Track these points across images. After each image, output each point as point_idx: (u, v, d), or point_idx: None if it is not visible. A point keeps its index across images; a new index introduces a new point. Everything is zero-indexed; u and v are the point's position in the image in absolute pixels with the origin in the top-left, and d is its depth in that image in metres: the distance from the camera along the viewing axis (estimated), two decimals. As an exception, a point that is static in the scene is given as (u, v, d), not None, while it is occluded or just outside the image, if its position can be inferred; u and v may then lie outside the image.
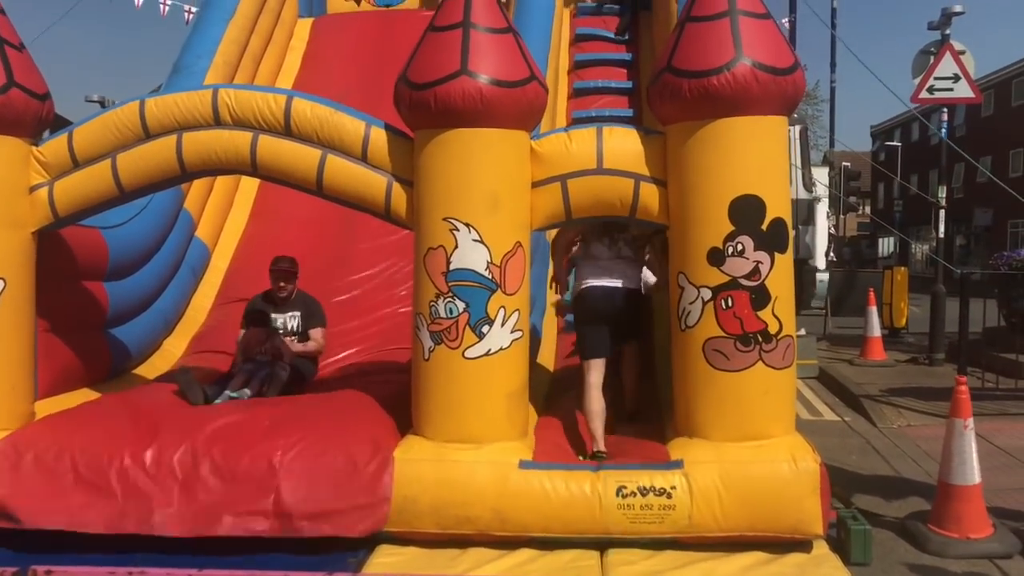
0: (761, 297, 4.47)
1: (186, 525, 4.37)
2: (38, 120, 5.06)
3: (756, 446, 4.45)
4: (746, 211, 4.44)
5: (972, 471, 5.07)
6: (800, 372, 10.03)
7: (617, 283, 5.22)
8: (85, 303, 5.94)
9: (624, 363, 5.58)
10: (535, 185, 4.78)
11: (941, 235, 12.05)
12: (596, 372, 5.12)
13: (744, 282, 4.46)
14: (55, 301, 5.42)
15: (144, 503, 4.42)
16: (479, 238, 4.54)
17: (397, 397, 5.15)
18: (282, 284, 6.27)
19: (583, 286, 5.28)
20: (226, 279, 7.71)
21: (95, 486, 4.48)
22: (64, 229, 5.40)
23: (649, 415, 5.50)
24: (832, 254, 17.35)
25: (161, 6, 13.74)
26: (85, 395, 5.61)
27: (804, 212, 12.46)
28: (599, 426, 4.98)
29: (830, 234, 17.31)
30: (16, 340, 4.94)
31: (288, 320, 6.30)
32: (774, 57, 4.42)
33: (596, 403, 5.04)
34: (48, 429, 4.81)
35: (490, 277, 4.55)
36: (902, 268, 14.57)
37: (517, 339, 4.65)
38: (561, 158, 4.78)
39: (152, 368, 6.65)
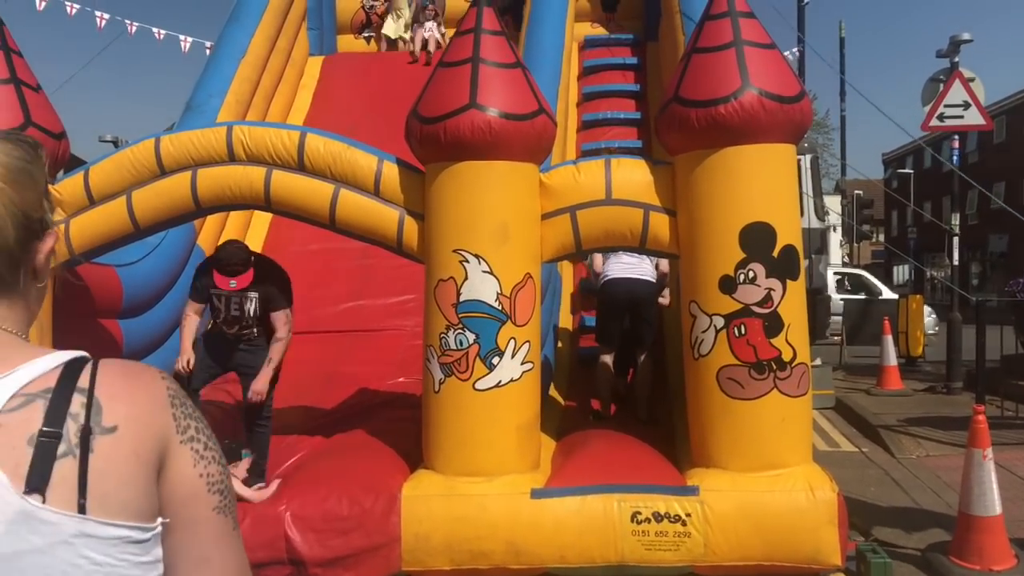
0: (774, 324, 4.45)
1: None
2: (54, 159, 5.12)
3: (773, 475, 4.41)
4: (757, 238, 4.44)
5: (993, 502, 5.00)
6: (816, 402, 9.91)
7: (637, 276, 6.02)
8: (100, 340, 5.97)
9: (638, 373, 5.89)
10: (545, 217, 4.81)
11: (956, 263, 11.98)
12: (607, 352, 6.13)
13: (757, 309, 4.45)
14: (71, 339, 5.44)
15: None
16: (489, 269, 4.55)
17: (406, 432, 5.13)
18: (236, 281, 5.12)
19: (607, 278, 6.10)
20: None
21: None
22: (79, 266, 5.44)
23: (661, 421, 5.50)
24: (847, 282, 17.29)
25: (182, 43, 13.96)
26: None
27: (817, 241, 12.43)
28: (605, 392, 6.03)
29: (844, 263, 17.23)
30: (31, 377, 4.93)
31: (245, 302, 5.18)
32: (780, 86, 4.46)
33: (605, 372, 6.06)
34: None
35: (500, 308, 4.56)
36: (917, 296, 14.47)
37: (528, 371, 4.64)
38: (570, 190, 4.81)
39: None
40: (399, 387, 6.59)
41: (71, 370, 1.04)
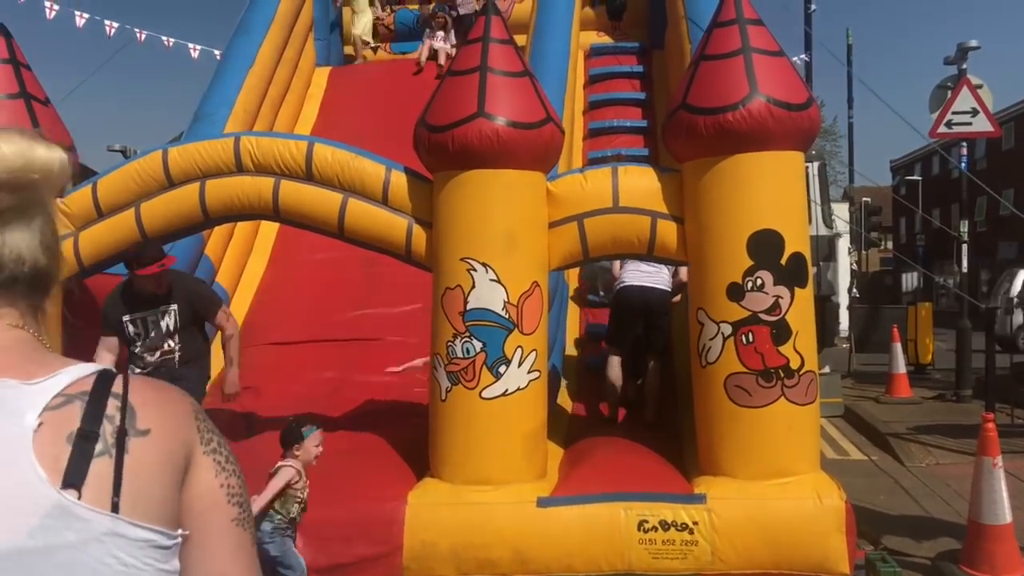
0: (782, 332, 4.44)
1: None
2: (62, 171, 5.14)
3: (781, 483, 4.40)
4: (765, 246, 4.44)
5: (1003, 510, 4.97)
6: (825, 410, 9.89)
7: (652, 284, 6.11)
8: (107, 351, 5.97)
9: (647, 377, 5.97)
10: (552, 225, 4.82)
11: (965, 270, 11.94)
12: (615, 354, 6.23)
13: (764, 317, 4.44)
14: (79, 349, 5.46)
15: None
16: (496, 278, 4.55)
17: (412, 441, 5.12)
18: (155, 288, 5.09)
19: (622, 284, 6.23)
20: (245, 324, 7.74)
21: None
22: (88, 277, 5.46)
23: (667, 424, 5.50)
24: (855, 290, 17.24)
25: (191, 51, 14.01)
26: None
27: (825, 248, 12.40)
28: (613, 396, 6.17)
29: (852, 270, 17.19)
30: (40, 387, 4.95)
31: (165, 318, 5.10)
32: (789, 93, 4.47)
33: (613, 374, 6.16)
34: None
35: (507, 317, 4.56)
36: (926, 303, 14.42)
37: (535, 379, 4.64)
38: (577, 198, 4.81)
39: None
40: (405, 396, 6.59)
41: (105, 378, 1.07)
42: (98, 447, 1.00)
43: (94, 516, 0.97)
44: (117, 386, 1.06)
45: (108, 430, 1.02)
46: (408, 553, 4.35)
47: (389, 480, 4.73)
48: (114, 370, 1.11)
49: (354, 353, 6.95)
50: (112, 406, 1.04)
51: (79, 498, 0.97)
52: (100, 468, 0.99)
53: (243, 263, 8.26)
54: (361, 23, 11.08)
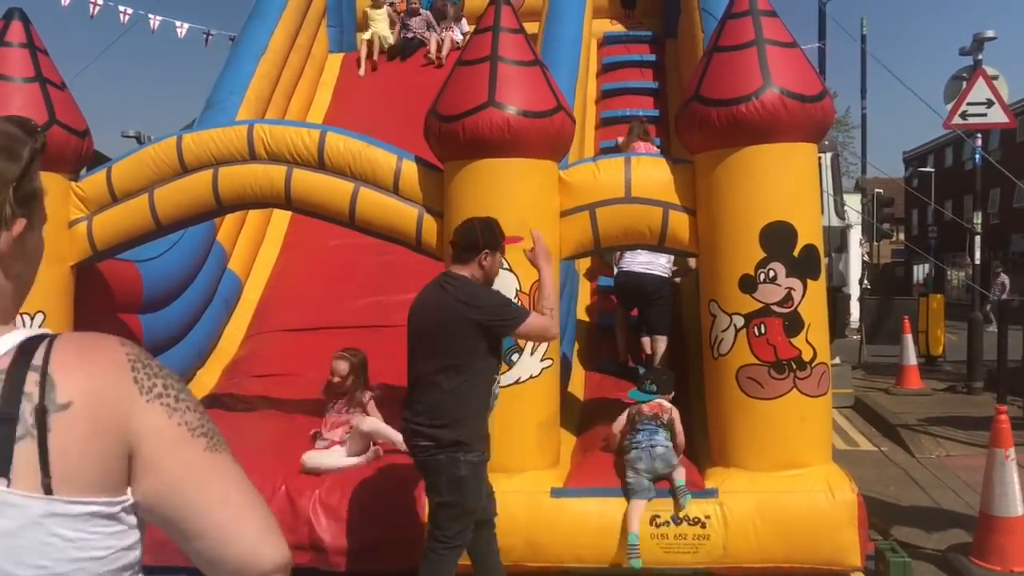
0: (794, 324, 4.44)
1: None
2: (78, 156, 5.17)
3: (792, 476, 4.40)
4: (777, 238, 4.43)
5: (1015, 502, 4.95)
6: (835, 401, 9.85)
7: (646, 271, 6.40)
8: (120, 335, 6.00)
9: (654, 359, 6.24)
10: (564, 214, 4.81)
11: (978, 262, 11.88)
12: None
13: (777, 309, 4.43)
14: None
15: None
16: (508, 266, 4.55)
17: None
18: None
19: (620, 270, 6.61)
20: (258, 311, 7.78)
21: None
22: (100, 262, 5.49)
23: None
24: (866, 281, 17.18)
25: (205, 36, 14.00)
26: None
27: (836, 239, 12.35)
28: (623, 339, 6.62)
29: (864, 261, 17.11)
30: (54, 372, 5.00)
31: None
32: (802, 84, 4.44)
33: (622, 320, 6.68)
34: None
35: (519, 305, 4.55)
36: (938, 295, 14.36)
37: (547, 367, 4.64)
38: (589, 187, 4.81)
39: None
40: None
41: (26, 349, 1.02)
42: (19, 430, 0.98)
43: (27, 501, 0.96)
44: (38, 357, 1.02)
45: (28, 410, 0.98)
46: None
47: (407, 467, 4.75)
48: (46, 334, 1.06)
49: (367, 340, 6.97)
50: (31, 381, 0.99)
51: (8, 486, 0.95)
52: (24, 452, 0.97)
53: (256, 250, 8.28)
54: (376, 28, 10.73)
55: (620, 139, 8.45)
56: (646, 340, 6.61)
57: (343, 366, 5.05)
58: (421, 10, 10.80)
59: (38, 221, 1.15)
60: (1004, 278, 24.69)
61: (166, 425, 1.06)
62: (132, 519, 1.04)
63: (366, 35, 10.60)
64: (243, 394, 6.24)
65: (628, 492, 4.41)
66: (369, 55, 10.46)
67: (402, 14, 10.83)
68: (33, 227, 1.13)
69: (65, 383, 1.01)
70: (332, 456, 4.84)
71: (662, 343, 6.36)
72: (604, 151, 8.65)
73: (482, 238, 3.80)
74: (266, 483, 4.55)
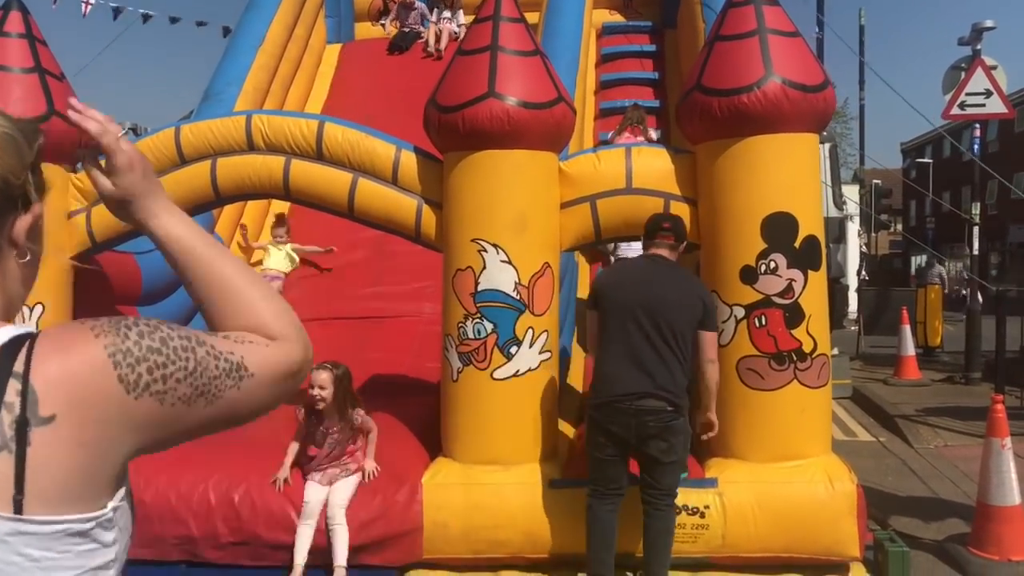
0: (795, 315, 4.43)
1: (223, 553, 4.43)
2: (76, 148, 5.14)
3: (792, 466, 4.41)
4: (778, 229, 4.42)
5: (1012, 491, 4.98)
6: (834, 392, 9.88)
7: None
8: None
9: None
10: (564, 206, 4.80)
11: (975, 252, 11.89)
12: None
13: (777, 300, 4.43)
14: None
15: (182, 530, 4.46)
16: (507, 259, 4.55)
17: (426, 419, 5.14)
18: None
19: (616, 257, 6.72)
20: (257, 302, 7.77)
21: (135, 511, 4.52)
22: (99, 254, 5.48)
23: None
24: (864, 272, 17.19)
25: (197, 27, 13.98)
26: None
27: (835, 230, 12.36)
28: None
29: (862, 252, 17.11)
30: (53, 364, 4.99)
31: None
32: (804, 75, 4.43)
33: None
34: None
35: (518, 298, 4.56)
36: (935, 286, 14.38)
37: (546, 360, 4.64)
38: (590, 178, 4.80)
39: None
40: (417, 373, 6.62)
41: (8, 352, 0.97)
42: None
43: None
44: (19, 363, 0.95)
45: (7, 421, 0.92)
46: (423, 534, 4.39)
47: (407, 460, 4.76)
48: (30, 332, 1.00)
49: (366, 331, 6.97)
50: (12, 391, 0.93)
51: None
52: (0, 466, 0.91)
53: (254, 240, 8.26)
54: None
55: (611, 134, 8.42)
56: None
57: (324, 377, 4.50)
58: (417, 3, 10.79)
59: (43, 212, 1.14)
60: (939, 268, 25.10)
61: (160, 412, 1.02)
62: (108, 535, 0.99)
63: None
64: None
65: None
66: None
67: (397, 6, 10.83)
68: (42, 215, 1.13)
69: (49, 395, 0.94)
70: (339, 494, 4.49)
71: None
72: (603, 142, 8.64)
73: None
74: (264, 478, 4.55)
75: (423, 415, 5.28)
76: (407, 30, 10.65)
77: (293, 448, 4.62)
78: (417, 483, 4.52)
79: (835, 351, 10.16)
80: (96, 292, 5.63)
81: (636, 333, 4.06)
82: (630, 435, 4.03)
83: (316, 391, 4.50)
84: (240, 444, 5.07)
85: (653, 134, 8.13)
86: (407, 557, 4.37)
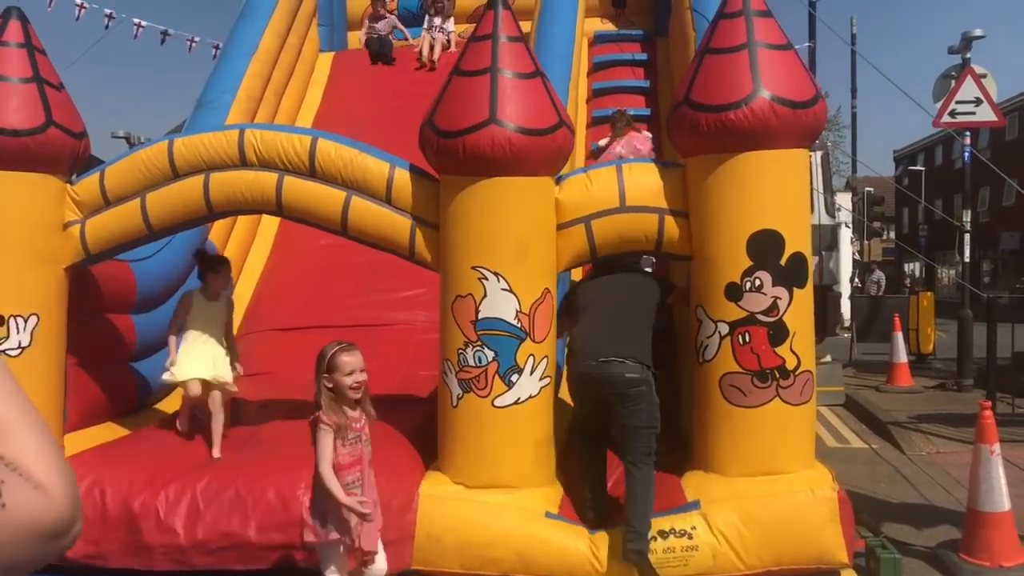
0: (779, 333, 4.42)
1: (212, 558, 4.42)
2: (74, 158, 5.17)
3: (772, 479, 4.40)
4: (765, 246, 4.40)
5: (1001, 497, 5.00)
6: (826, 399, 9.94)
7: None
8: (113, 336, 6.02)
9: None
10: (559, 228, 4.74)
11: (967, 260, 11.95)
12: None
13: (762, 318, 4.41)
14: (85, 335, 5.50)
15: (170, 537, 4.47)
16: (508, 287, 4.49)
17: (421, 428, 5.14)
18: None
19: None
20: (249, 310, 7.78)
21: (121, 521, 4.54)
22: (94, 264, 5.48)
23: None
24: (857, 280, 17.25)
25: (188, 44, 14.01)
26: (111, 429, 5.66)
27: (828, 238, 12.41)
28: None
29: (854, 259, 17.16)
30: (48, 374, 5.01)
31: None
32: (794, 90, 4.40)
33: None
34: (78, 465, 4.89)
35: (519, 326, 4.51)
36: (928, 293, 14.44)
37: (545, 385, 4.61)
38: (583, 200, 4.75)
39: (177, 401, 6.71)
40: (411, 381, 6.63)
41: None
42: None
43: None
44: None
45: None
46: (416, 544, 4.38)
47: (402, 468, 4.75)
48: None
49: (357, 338, 6.97)
50: None
51: None
52: None
53: (247, 249, 8.27)
54: None
55: (603, 141, 8.44)
56: None
57: (359, 356, 3.82)
58: (386, 13, 10.75)
59: None
60: (879, 274, 25.57)
61: None
62: None
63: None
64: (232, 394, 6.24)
65: None
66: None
67: (368, 17, 10.77)
68: None
69: None
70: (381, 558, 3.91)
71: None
72: (593, 154, 8.68)
73: None
74: (255, 483, 4.56)
75: (418, 423, 5.29)
76: (375, 36, 10.59)
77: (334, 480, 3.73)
78: (413, 492, 4.51)
79: (828, 358, 10.22)
80: (91, 301, 5.64)
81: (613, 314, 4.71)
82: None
83: (358, 375, 3.76)
84: (233, 451, 5.08)
85: (645, 134, 8.18)
86: (395, 565, 4.37)
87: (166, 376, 5.41)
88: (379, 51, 10.51)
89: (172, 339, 5.46)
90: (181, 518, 4.49)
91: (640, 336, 4.65)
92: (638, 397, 4.45)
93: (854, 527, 4.49)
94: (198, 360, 5.29)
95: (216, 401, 5.25)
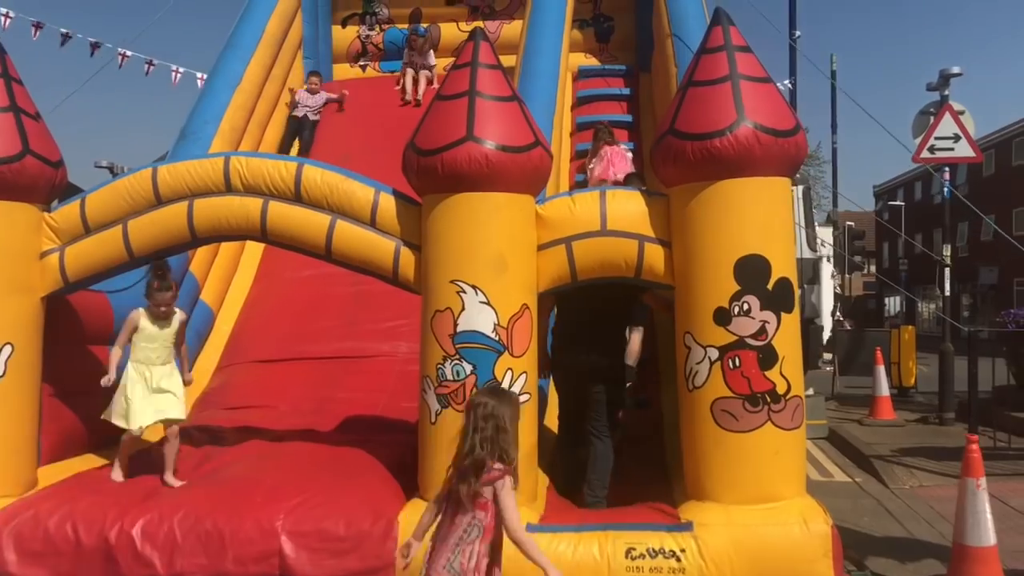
0: (768, 357, 4.45)
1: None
2: (51, 187, 5.13)
3: (767, 508, 4.39)
4: (751, 271, 4.45)
5: (987, 532, 4.98)
6: (809, 432, 9.88)
7: None
8: (90, 367, 5.93)
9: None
10: (540, 248, 4.83)
11: (948, 294, 12.04)
12: None
13: (751, 342, 4.45)
14: (60, 365, 5.42)
15: (147, 570, 4.38)
16: (486, 300, 4.55)
17: (402, 459, 5.11)
18: None
19: None
20: (230, 342, 7.71)
21: (97, 553, 4.46)
22: (71, 293, 5.42)
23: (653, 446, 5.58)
24: (839, 313, 17.35)
25: (173, 74, 14.04)
26: (87, 461, 5.57)
27: (809, 271, 12.49)
28: None
29: (836, 293, 17.27)
30: (22, 405, 4.93)
31: None
32: (776, 119, 4.50)
33: None
34: (50, 497, 4.80)
35: (497, 339, 4.55)
36: (909, 327, 14.53)
37: (525, 402, 4.61)
38: (565, 221, 4.83)
39: (155, 432, 6.61)
40: (393, 413, 6.57)
41: None
42: None
43: None
44: None
45: None
46: (396, 571, 4.31)
47: (381, 497, 4.71)
48: None
49: (339, 370, 6.92)
50: None
51: None
52: None
53: (228, 281, 8.22)
54: None
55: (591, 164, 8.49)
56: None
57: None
58: (320, 89, 10.24)
59: None
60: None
61: None
62: None
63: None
64: (215, 426, 6.16)
65: None
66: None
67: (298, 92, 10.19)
68: None
69: None
70: None
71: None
72: (578, 185, 8.72)
73: None
74: (233, 515, 4.50)
75: (398, 455, 5.24)
76: (302, 115, 9.99)
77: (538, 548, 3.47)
78: (394, 519, 4.47)
79: (810, 391, 10.21)
80: (67, 332, 5.57)
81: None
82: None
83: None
84: (215, 483, 5.01)
85: (624, 146, 8.23)
86: None
87: (116, 420, 5.13)
88: (296, 131, 9.95)
89: (115, 353, 5.19)
90: (159, 550, 4.41)
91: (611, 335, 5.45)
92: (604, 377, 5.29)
93: (843, 562, 4.45)
94: (150, 409, 5.11)
95: (171, 429, 5.16)
